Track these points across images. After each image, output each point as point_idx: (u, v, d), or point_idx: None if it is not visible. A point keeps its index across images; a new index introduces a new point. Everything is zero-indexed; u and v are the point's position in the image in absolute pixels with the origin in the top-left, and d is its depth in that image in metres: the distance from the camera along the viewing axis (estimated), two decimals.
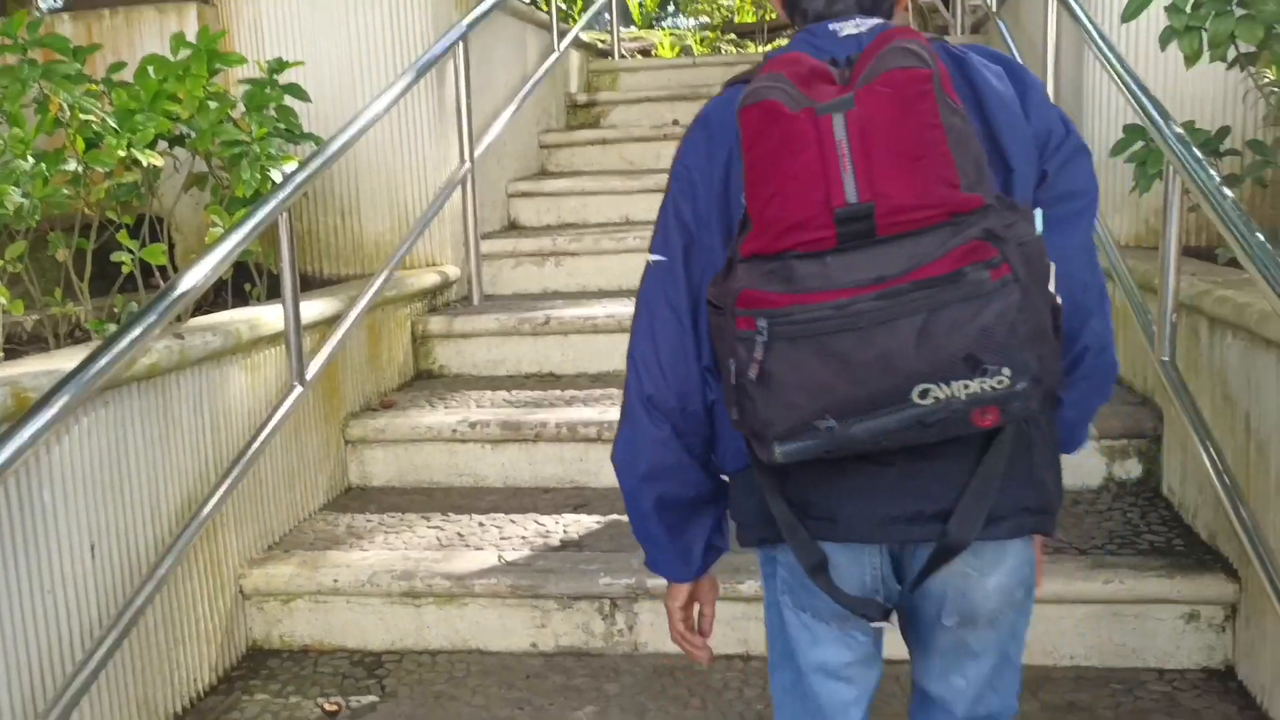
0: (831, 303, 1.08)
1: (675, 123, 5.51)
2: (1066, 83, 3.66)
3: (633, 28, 13.37)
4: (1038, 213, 1.19)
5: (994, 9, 4.89)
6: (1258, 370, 2.12)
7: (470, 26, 3.83)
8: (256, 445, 2.48)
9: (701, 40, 11.74)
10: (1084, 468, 2.86)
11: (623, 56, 6.87)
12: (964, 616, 1.30)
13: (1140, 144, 2.73)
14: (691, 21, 14.43)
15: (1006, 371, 1.07)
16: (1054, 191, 1.28)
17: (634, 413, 1.35)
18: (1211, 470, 2.05)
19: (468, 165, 3.89)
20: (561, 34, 5.47)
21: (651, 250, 1.34)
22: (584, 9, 6.82)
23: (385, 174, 3.85)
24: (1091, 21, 2.94)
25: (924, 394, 1.08)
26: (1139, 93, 2.44)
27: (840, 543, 1.26)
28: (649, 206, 4.67)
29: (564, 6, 6.42)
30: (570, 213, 4.78)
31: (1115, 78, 2.59)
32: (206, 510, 2.29)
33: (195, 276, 2.18)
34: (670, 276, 1.31)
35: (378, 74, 3.79)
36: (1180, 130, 2.24)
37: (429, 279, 3.80)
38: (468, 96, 3.87)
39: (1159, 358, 2.35)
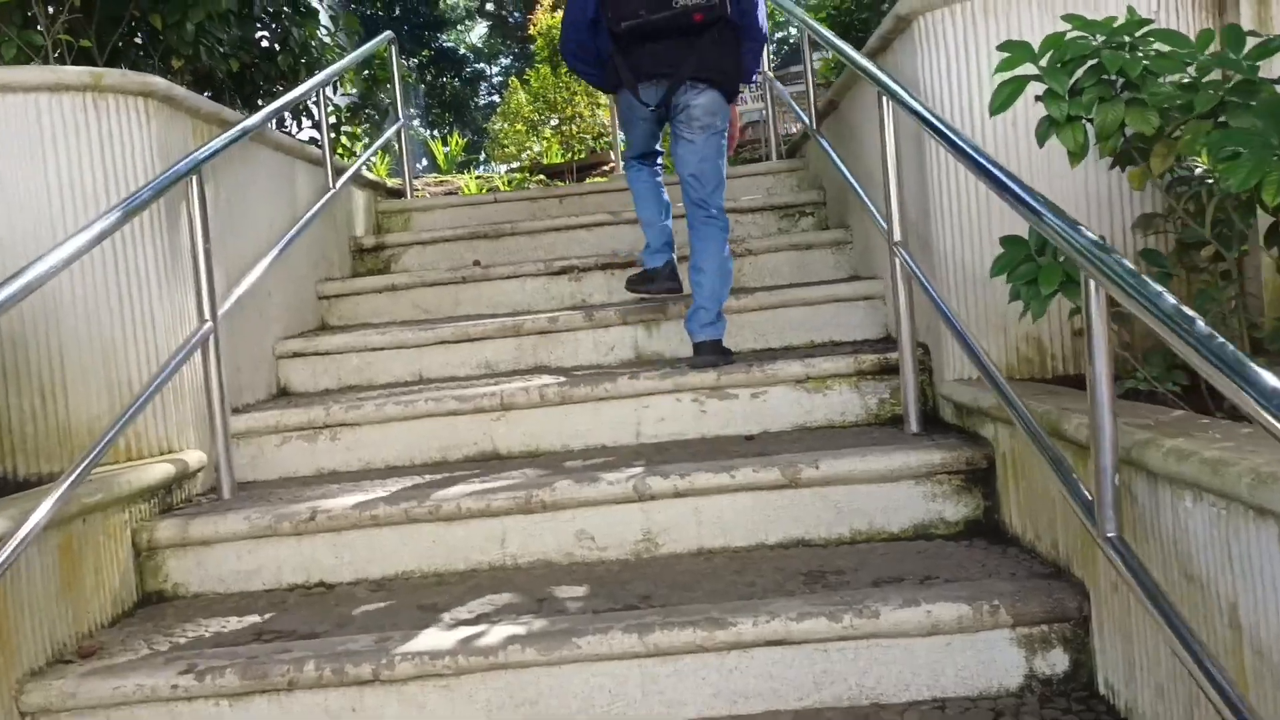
0: None
1: (476, 264, 4.90)
2: (911, 199, 3.23)
3: (436, 174, 12.95)
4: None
5: (814, 126, 4.53)
6: (1249, 549, 1.57)
7: (207, 159, 3.12)
8: None
9: (510, 182, 11.37)
10: (997, 664, 2.26)
11: (418, 194, 6.27)
12: (689, 119, 3.49)
13: (1025, 259, 2.24)
14: (503, 168, 14.10)
15: None
16: None
17: (566, 35, 3.68)
18: (1214, 693, 1.46)
19: (209, 325, 3.13)
20: (340, 171, 4.83)
21: None
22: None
23: (100, 342, 3.05)
24: (949, 126, 2.49)
25: (676, 3, 3.35)
26: (1028, 197, 1.95)
27: (643, 82, 3.53)
28: (446, 360, 4.00)
29: (348, 144, 5.79)
30: (353, 373, 4.04)
31: (992, 183, 2.10)
32: None
33: None
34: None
35: (87, 216, 3.02)
36: (1095, 236, 1.74)
37: (157, 471, 2.98)
38: (206, 242, 3.14)
39: (1101, 534, 1.78)
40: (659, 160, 3.91)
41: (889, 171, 3.07)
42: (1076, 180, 2.91)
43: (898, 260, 3.08)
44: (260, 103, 5.09)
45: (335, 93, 5.63)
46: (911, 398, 3.14)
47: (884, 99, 3.02)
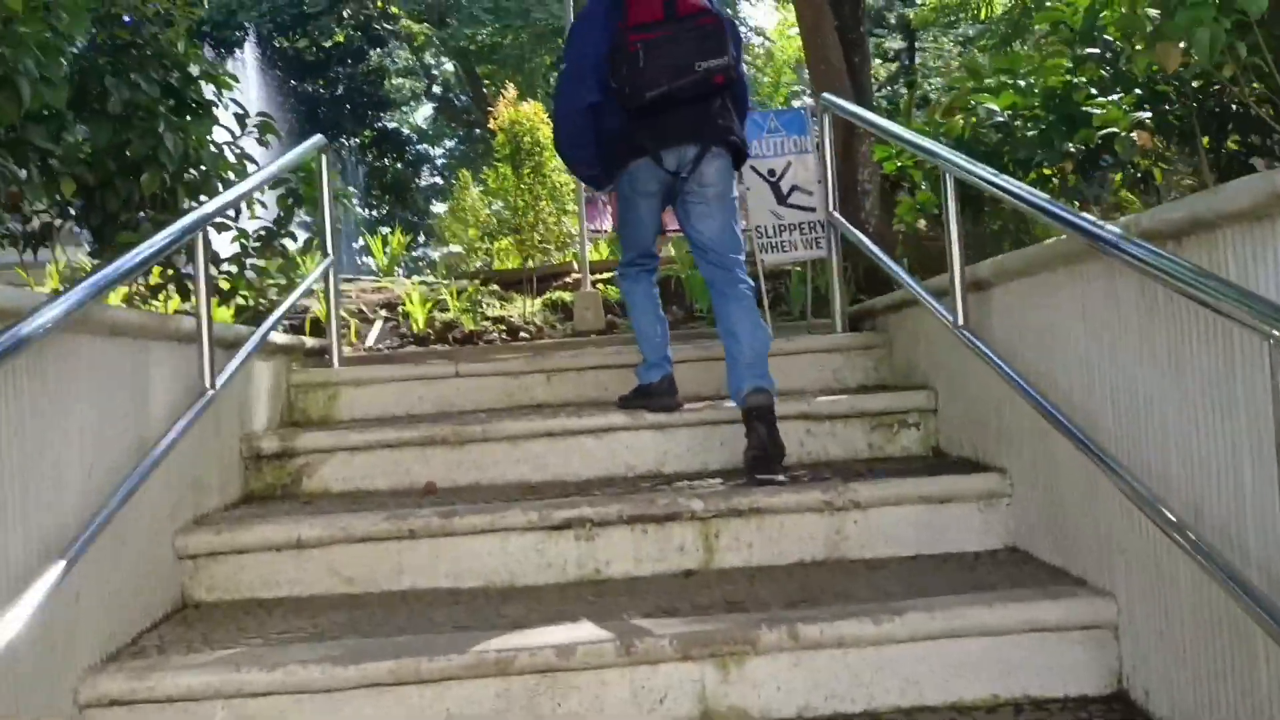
0: (667, 35, 3.34)
1: (430, 491, 3.28)
2: None
3: (373, 276, 11.31)
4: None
5: (959, 321, 2.98)
6: None
7: None
8: None
9: (459, 293, 9.70)
10: None
11: (349, 359, 4.60)
12: (703, 186, 3.48)
13: None
14: (441, 250, 12.44)
15: (726, 58, 3.36)
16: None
17: (566, 117, 3.56)
18: None
19: None
20: (231, 346, 3.18)
21: (565, 60, 3.62)
22: (293, 285, 4.48)
23: None
24: None
25: (699, 67, 3.33)
26: None
27: (666, 149, 3.45)
28: (380, 718, 2.33)
29: (257, 282, 4.14)
30: None
31: None
32: None
33: None
34: (577, 68, 3.51)
35: None
36: None
37: None
38: None
39: None
40: (656, 264, 3.83)
41: None
42: None
43: None
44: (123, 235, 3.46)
45: (239, 217, 4.02)
46: None
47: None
